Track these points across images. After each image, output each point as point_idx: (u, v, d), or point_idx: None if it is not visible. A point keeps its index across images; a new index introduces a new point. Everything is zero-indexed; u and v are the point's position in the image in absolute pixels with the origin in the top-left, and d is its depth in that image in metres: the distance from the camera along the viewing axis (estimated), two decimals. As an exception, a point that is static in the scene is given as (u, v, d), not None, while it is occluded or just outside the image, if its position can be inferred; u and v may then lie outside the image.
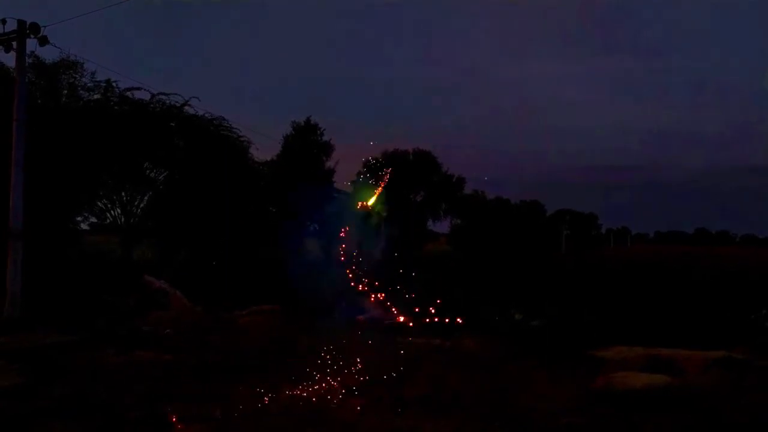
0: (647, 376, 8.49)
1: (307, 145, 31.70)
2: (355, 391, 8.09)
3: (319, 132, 32.61)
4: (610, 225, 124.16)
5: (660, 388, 7.98)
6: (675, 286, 22.43)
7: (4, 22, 12.89)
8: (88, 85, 18.22)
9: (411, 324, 13.51)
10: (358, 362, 9.80)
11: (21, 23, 13.02)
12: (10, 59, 14.00)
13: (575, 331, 12.46)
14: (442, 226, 50.65)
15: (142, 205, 20.43)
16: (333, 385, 8.33)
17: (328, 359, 10.00)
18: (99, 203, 19.89)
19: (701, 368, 9.04)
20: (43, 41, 13.22)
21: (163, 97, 19.73)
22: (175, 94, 20.10)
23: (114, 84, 18.70)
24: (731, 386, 8.11)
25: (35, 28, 13.06)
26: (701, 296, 18.60)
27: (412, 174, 44.48)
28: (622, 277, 26.67)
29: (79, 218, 19.83)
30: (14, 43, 13.15)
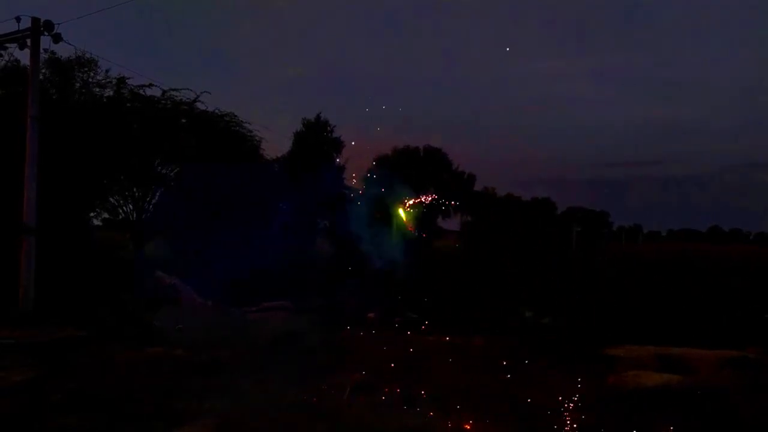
0: (659, 375, 8.44)
1: (317, 141, 31.76)
2: (365, 388, 8.09)
3: (329, 129, 32.68)
4: (623, 222, 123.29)
5: (672, 387, 7.92)
6: (686, 285, 22.22)
7: (18, 19, 13.01)
8: (102, 81, 18.34)
9: (421, 321, 13.51)
10: (368, 359, 9.80)
11: (35, 21, 13.13)
12: (24, 56, 14.17)
13: (586, 329, 12.40)
14: (453, 224, 50.59)
15: (153, 201, 20.54)
16: (343, 381, 8.32)
17: (338, 356, 10.02)
18: (111, 199, 20.02)
19: (714, 368, 8.96)
20: (57, 39, 13.33)
21: (174, 92, 19.81)
22: (187, 89, 20.19)
23: (126, 81, 18.81)
24: (745, 386, 8.02)
25: (49, 25, 13.17)
26: (713, 295, 18.42)
27: (422, 171, 44.45)
28: (633, 275, 26.46)
29: (92, 214, 19.99)
30: (28, 41, 13.27)
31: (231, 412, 6.96)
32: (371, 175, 36.23)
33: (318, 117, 32.61)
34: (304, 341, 11.18)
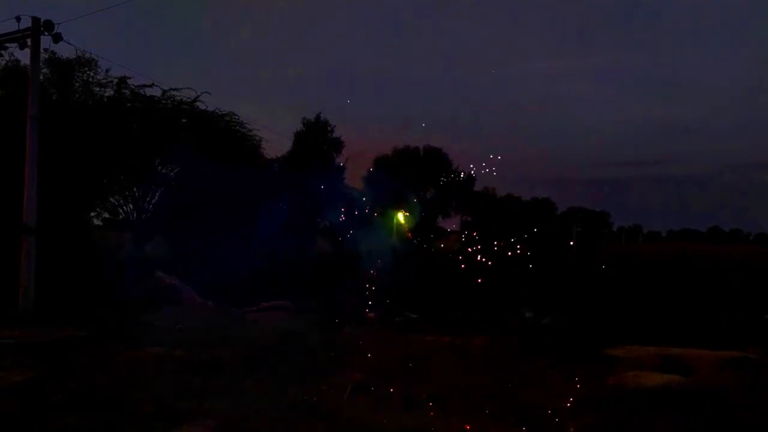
0: (660, 376, 8.43)
1: (317, 141, 31.78)
2: (364, 388, 8.09)
3: (329, 129, 32.69)
4: (623, 222, 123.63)
5: (673, 388, 7.92)
6: (686, 285, 22.23)
7: (18, 19, 13.02)
8: (102, 81, 18.34)
9: (421, 321, 13.51)
10: (368, 359, 9.81)
11: (35, 20, 13.13)
12: (24, 56, 14.19)
13: (586, 330, 12.40)
14: (453, 223, 50.65)
15: (154, 201, 20.55)
16: (343, 381, 8.32)
17: (338, 356, 10.02)
18: (111, 199, 20.03)
19: (715, 368, 8.95)
20: (57, 38, 13.34)
21: (175, 92, 19.81)
22: (188, 88, 20.19)
23: (127, 80, 18.81)
24: (746, 386, 8.01)
25: (49, 25, 13.18)
26: (713, 295, 18.42)
27: (422, 171, 44.46)
28: (633, 276, 26.46)
29: (92, 214, 20.00)
30: (28, 41, 13.27)
31: (231, 412, 6.96)
32: (371, 176, 36.33)
33: (318, 117, 32.65)
34: (304, 341, 11.17)
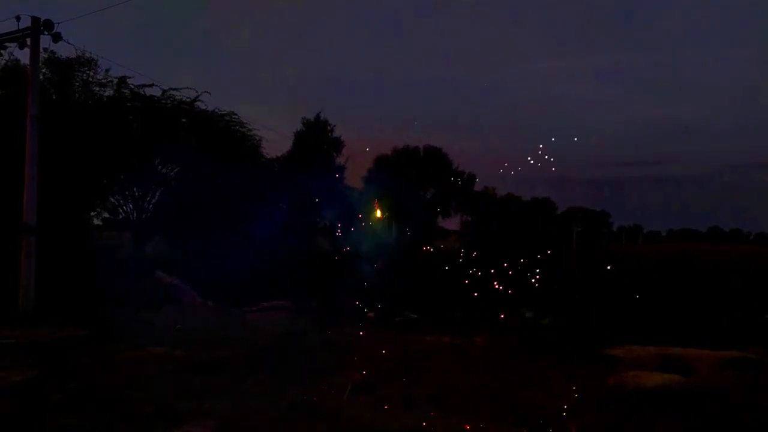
0: (660, 376, 8.43)
1: (317, 141, 31.83)
2: (364, 388, 8.08)
3: (329, 128, 32.74)
4: (623, 222, 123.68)
5: (673, 388, 7.91)
6: (686, 285, 22.22)
7: (18, 18, 13.03)
8: (102, 81, 18.34)
9: (421, 321, 13.51)
10: (368, 359, 9.80)
11: (35, 20, 13.13)
12: (24, 55, 14.20)
13: (586, 329, 12.39)
14: (453, 223, 50.72)
15: (154, 201, 20.55)
16: (343, 381, 8.32)
17: (338, 356, 10.01)
18: (111, 199, 20.03)
19: (715, 368, 8.95)
20: (57, 38, 13.34)
21: (175, 92, 19.81)
22: (188, 88, 20.21)
23: (127, 80, 18.81)
24: (746, 386, 8.01)
25: (49, 25, 13.18)
26: (713, 295, 18.41)
27: (422, 171, 44.54)
28: (633, 275, 26.44)
29: (92, 214, 20.00)
30: (28, 40, 13.27)
31: (231, 412, 6.95)
32: (371, 176, 36.37)
33: (318, 117, 32.74)
34: (304, 341, 11.17)
